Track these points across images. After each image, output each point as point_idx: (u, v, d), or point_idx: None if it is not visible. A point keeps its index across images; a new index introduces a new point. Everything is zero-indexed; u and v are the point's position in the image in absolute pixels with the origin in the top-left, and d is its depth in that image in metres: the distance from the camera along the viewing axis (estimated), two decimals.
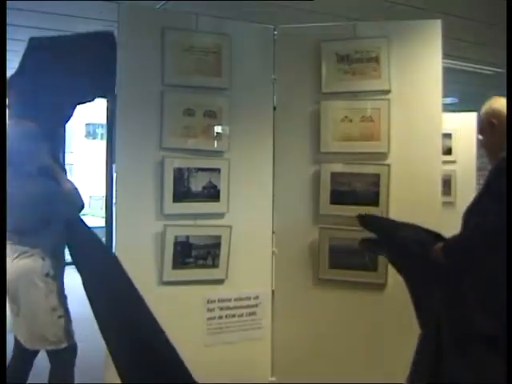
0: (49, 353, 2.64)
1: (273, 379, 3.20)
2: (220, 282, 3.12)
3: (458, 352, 2.16)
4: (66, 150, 8.69)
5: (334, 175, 3.14)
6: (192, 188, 3.02)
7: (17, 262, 2.53)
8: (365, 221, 2.63)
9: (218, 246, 3.06)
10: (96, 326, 2.13)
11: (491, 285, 2.13)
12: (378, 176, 3.08)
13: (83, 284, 2.33)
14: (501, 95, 2.39)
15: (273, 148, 3.24)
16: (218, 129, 3.09)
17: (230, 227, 3.08)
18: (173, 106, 2.98)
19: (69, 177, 2.83)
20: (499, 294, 2.05)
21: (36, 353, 2.69)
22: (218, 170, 3.06)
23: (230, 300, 3.14)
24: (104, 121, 7.98)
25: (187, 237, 3.01)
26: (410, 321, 2.80)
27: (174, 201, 2.97)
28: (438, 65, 3.06)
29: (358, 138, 3.12)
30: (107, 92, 3.11)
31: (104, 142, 8.80)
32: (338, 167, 3.15)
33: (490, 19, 4.33)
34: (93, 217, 11.57)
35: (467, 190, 4.95)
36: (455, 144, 5.19)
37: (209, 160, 3.07)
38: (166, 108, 2.96)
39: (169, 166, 2.96)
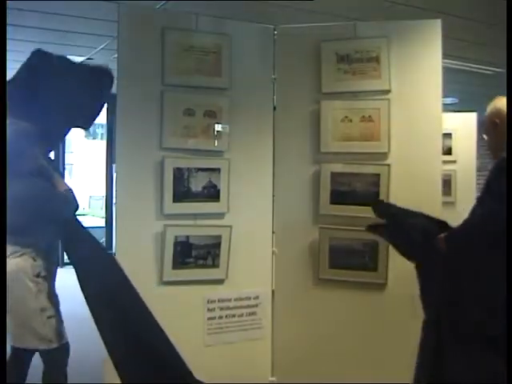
0: (41, 353, 2.65)
1: (273, 379, 3.20)
2: (220, 281, 3.12)
3: (457, 346, 2.17)
4: (66, 150, 8.70)
5: (334, 175, 3.14)
6: (192, 188, 3.02)
7: (7, 262, 2.53)
8: (377, 207, 2.64)
9: (218, 245, 3.06)
10: (95, 326, 2.14)
11: (490, 279, 2.14)
12: (378, 176, 3.08)
13: (80, 284, 2.33)
14: (501, 95, 2.39)
15: (273, 148, 3.24)
16: (218, 129, 3.09)
17: (230, 227, 3.08)
18: (173, 105, 2.98)
19: (67, 177, 2.83)
20: (498, 288, 2.06)
21: (32, 352, 2.70)
22: (218, 170, 3.06)
23: (230, 300, 3.14)
24: (104, 121, 7.98)
25: (187, 237, 3.01)
26: (410, 320, 2.80)
27: (174, 201, 2.97)
28: (438, 65, 3.06)
29: (358, 138, 3.12)
30: (82, 125, 3.05)
31: (104, 142, 8.81)
32: (338, 167, 3.15)
33: (490, 19, 4.32)
34: (93, 217, 11.56)
35: (467, 190, 4.97)
36: (455, 144, 5.20)
37: (209, 160, 3.07)
38: (166, 108, 2.96)
39: (169, 165, 2.96)
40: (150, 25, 3.00)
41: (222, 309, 3.12)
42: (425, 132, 3.08)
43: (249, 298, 3.18)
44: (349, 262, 3.12)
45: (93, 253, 2.46)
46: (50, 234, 2.62)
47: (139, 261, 2.90)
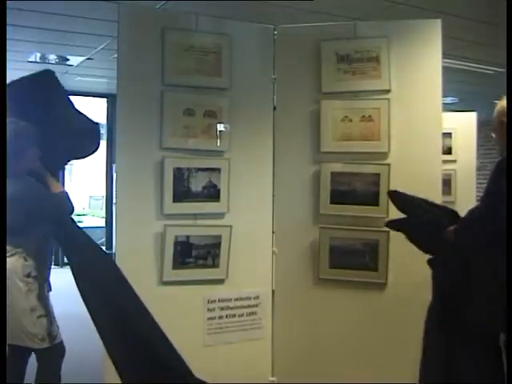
0: (35, 352, 2.66)
1: (273, 379, 3.20)
2: (220, 281, 3.12)
3: (466, 347, 2.19)
4: None
5: (333, 175, 3.14)
6: (192, 188, 3.02)
7: None
8: (393, 197, 2.65)
9: (218, 245, 3.06)
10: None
11: (493, 272, 2.15)
12: (377, 176, 3.08)
13: (77, 285, 2.33)
14: (502, 95, 2.40)
15: (273, 148, 3.24)
16: (218, 129, 3.09)
17: (230, 227, 3.08)
18: (173, 106, 2.98)
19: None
20: (499, 282, 2.08)
21: (28, 351, 2.70)
22: (218, 170, 3.06)
23: (230, 300, 3.14)
24: (104, 121, 7.98)
25: (187, 237, 3.01)
26: (411, 320, 2.80)
27: (174, 201, 2.97)
28: (438, 64, 3.06)
29: (357, 138, 3.12)
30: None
31: (104, 142, 8.80)
32: (338, 167, 3.14)
33: (490, 19, 4.32)
34: (93, 217, 11.56)
35: (467, 190, 4.97)
36: (455, 143, 5.19)
37: (209, 160, 3.07)
38: (166, 108, 2.96)
39: (169, 166, 2.96)
40: (149, 25, 3.00)
41: (222, 309, 3.12)
42: (425, 132, 3.08)
43: (249, 298, 3.18)
44: (349, 261, 3.12)
45: (89, 254, 2.46)
46: (42, 235, 2.63)
47: (139, 261, 2.90)
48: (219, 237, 3.06)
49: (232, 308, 3.14)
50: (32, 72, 2.76)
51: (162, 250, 2.96)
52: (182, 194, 2.99)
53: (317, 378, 3.03)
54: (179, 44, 3.00)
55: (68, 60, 5.87)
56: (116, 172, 3.07)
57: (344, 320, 3.14)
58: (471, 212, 2.27)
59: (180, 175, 2.99)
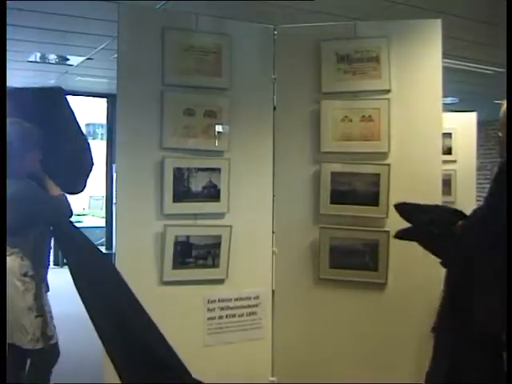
0: (29, 352, 2.65)
1: (273, 379, 3.20)
2: (220, 281, 3.12)
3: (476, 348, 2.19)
4: None
5: (334, 175, 3.14)
6: (192, 188, 3.02)
7: None
8: (399, 209, 2.64)
9: (218, 245, 3.06)
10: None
11: (498, 270, 2.15)
12: (377, 176, 3.07)
13: (76, 286, 2.33)
14: (500, 95, 2.39)
15: (273, 148, 3.24)
16: (218, 129, 3.09)
17: (230, 227, 3.08)
18: (173, 106, 2.98)
19: None
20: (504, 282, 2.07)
21: (27, 351, 2.70)
22: (218, 170, 3.06)
23: (230, 300, 3.14)
24: (104, 121, 7.99)
25: (187, 237, 3.01)
26: (411, 320, 2.81)
27: (174, 201, 2.97)
28: (438, 64, 3.06)
29: (357, 138, 3.12)
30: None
31: (104, 142, 8.81)
32: (338, 167, 3.14)
33: (490, 19, 4.32)
34: (93, 217, 11.57)
35: (467, 190, 4.96)
36: (455, 143, 5.18)
37: (209, 160, 3.07)
38: (166, 108, 2.96)
39: (169, 166, 2.96)
40: (150, 25, 3.00)
41: (222, 309, 3.12)
42: (425, 132, 3.08)
43: (249, 298, 3.18)
44: (349, 261, 3.12)
45: (86, 254, 2.46)
46: (39, 236, 2.64)
47: (139, 261, 2.90)
48: (219, 237, 3.06)
49: (232, 308, 3.14)
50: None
51: (162, 250, 2.96)
52: (182, 193, 2.99)
53: (317, 378, 3.03)
54: (179, 44, 2.99)
55: (68, 60, 5.87)
56: (116, 172, 3.07)
57: (344, 320, 3.13)
58: (474, 212, 2.27)
59: (180, 175, 2.99)
